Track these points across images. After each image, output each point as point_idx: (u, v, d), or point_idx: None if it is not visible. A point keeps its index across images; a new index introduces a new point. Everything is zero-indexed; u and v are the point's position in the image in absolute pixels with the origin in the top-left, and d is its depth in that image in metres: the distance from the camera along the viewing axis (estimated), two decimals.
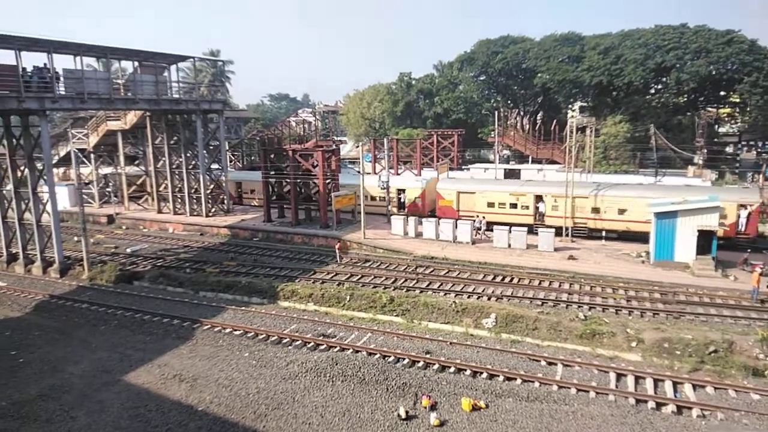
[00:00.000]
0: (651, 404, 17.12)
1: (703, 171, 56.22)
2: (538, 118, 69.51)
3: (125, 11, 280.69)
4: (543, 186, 39.11)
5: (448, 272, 30.43)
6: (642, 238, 32.66)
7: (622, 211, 35.02)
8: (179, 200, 46.51)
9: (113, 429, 16.65)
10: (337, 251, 34.39)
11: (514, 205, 38.18)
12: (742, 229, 32.57)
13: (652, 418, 16.24)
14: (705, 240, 28.32)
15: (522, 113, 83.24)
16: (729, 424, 15.99)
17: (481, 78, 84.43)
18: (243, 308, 26.62)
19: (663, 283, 27.10)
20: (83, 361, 21.40)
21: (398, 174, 54.99)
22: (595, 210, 35.75)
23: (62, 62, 33.79)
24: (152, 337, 23.80)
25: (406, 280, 29.34)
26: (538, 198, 37.51)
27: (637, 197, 34.35)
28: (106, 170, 52.50)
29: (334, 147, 44.91)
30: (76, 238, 39.05)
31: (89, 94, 33.30)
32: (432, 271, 30.74)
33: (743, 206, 32.42)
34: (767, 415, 16.29)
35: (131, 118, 46.02)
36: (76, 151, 48.09)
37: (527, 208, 37.71)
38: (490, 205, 38.81)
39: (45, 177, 32.05)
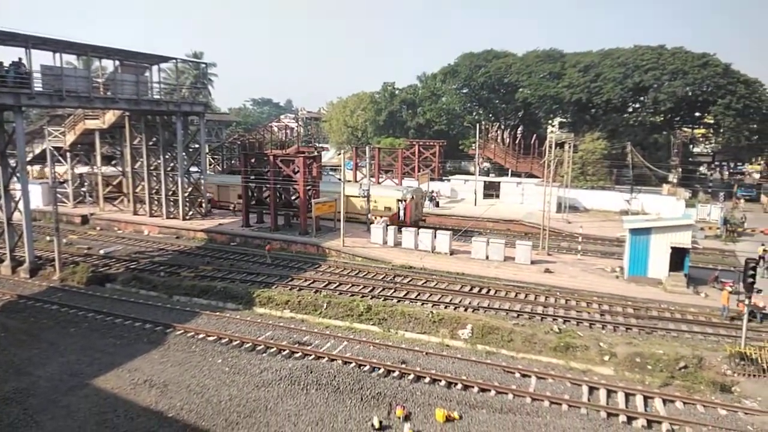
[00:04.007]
0: (622, 418, 17.30)
1: (678, 189, 57.51)
2: (519, 132, 70.51)
3: (106, 12, 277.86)
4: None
5: (425, 282, 30.46)
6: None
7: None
8: (156, 202, 45.78)
9: None
10: (267, 252, 35.54)
11: None
12: (402, 218, 41.53)
13: None
14: (678, 257, 28.89)
15: (503, 127, 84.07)
16: None
17: (464, 91, 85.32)
18: (217, 314, 26.24)
19: (636, 298, 27.52)
20: (50, 363, 20.85)
21: (379, 183, 55.12)
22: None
23: (42, 59, 33.15)
24: (123, 341, 23.30)
25: (383, 289, 29.27)
26: None
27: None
28: (82, 169, 51.54)
29: (315, 154, 44.72)
30: (48, 238, 38.12)
31: (68, 92, 32.69)
32: (410, 281, 30.73)
33: (401, 201, 41.82)
34: (734, 431, 16.62)
35: (110, 117, 45.26)
36: (52, 149, 47.14)
37: None
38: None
39: (18, 174, 31.35)
